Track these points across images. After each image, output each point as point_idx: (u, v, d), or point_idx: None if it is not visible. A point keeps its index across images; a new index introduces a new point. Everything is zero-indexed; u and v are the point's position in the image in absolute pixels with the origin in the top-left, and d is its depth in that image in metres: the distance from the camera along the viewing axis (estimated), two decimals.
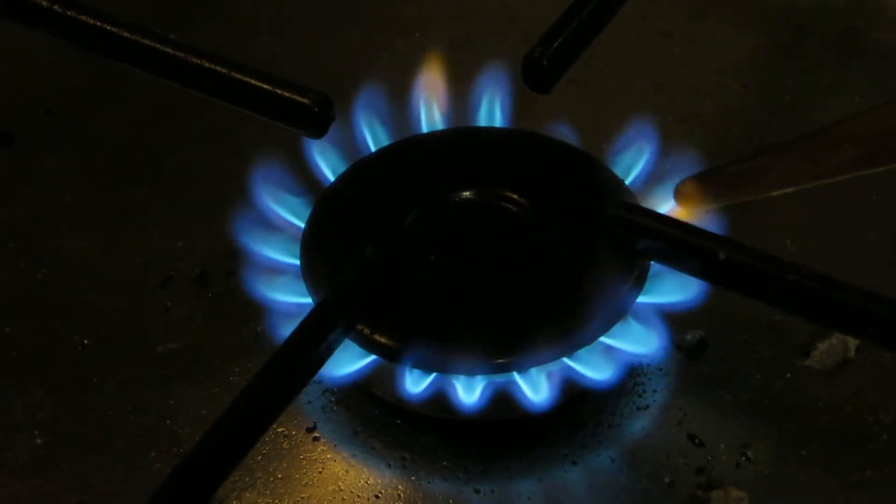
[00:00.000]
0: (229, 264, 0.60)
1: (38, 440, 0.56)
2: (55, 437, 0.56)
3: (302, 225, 0.58)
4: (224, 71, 0.53)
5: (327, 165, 0.61)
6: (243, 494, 0.53)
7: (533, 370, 0.53)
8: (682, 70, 0.74)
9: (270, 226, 0.59)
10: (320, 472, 0.54)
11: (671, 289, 0.56)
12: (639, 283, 0.55)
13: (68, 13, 0.56)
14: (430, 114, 0.63)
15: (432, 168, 0.60)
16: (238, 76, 0.53)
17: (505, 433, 0.55)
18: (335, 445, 0.55)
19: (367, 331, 0.52)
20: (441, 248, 0.56)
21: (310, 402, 0.56)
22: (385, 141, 0.62)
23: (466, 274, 0.55)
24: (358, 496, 0.53)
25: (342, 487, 0.54)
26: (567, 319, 0.53)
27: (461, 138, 0.62)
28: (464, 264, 0.56)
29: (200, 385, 0.57)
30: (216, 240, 0.61)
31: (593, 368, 0.54)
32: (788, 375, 0.57)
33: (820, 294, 0.50)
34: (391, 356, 0.52)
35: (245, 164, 0.60)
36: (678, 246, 0.53)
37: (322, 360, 0.51)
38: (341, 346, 0.52)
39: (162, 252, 0.64)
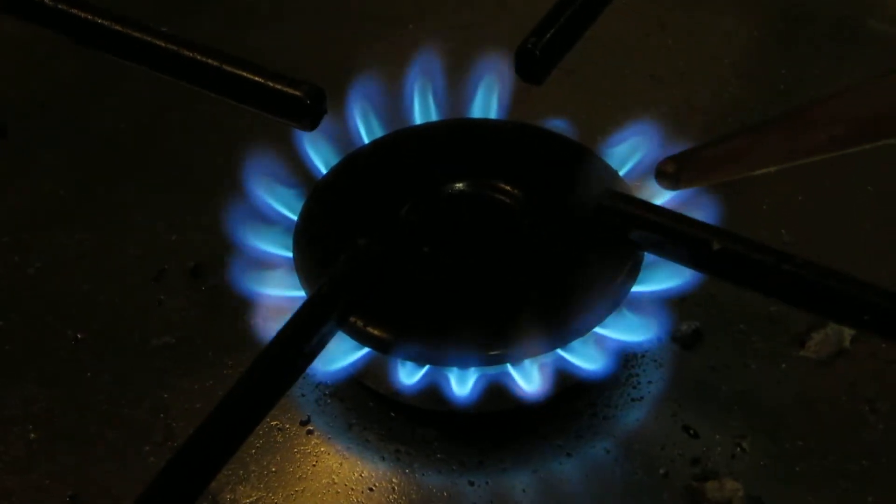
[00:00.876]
0: (223, 257, 0.60)
1: (32, 434, 0.56)
2: (49, 430, 0.56)
3: (295, 217, 0.58)
4: (216, 64, 0.53)
5: (320, 157, 0.61)
6: (237, 488, 0.53)
7: (527, 362, 0.53)
8: (676, 60, 0.74)
9: (264, 218, 0.59)
10: (314, 466, 0.54)
11: (665, 278, 0.56)
12: (633, 274, 0.55)
13: (61, 7, 0.55)
14: (424, 105, 0.63)
15: (426, 160, 0.60)
16: (230, 69, 0.53)
17: (500, 425, 0.55)
18: (329, 438, 0.55)
19: (360, 323, 0.52)
20: (435, 240, 0.56)
21: (303, 396, 0.56)
22: (379, 132, 0.62)
23: (460, 266, 0.55)
24: (352, 489, 0.53)
25: (336, 480, 0.54)
26: (561, 311, 0.53)
27: (455, 130, 0.62)
28: (457, 256, 0.55)
29: (194, 378, 0.57)
30: (210, 233, 0.61)
31: (587, 359, 0.53)
32: (784, 366, 0.57)
33: (815, 284, 0.50)
34: (384, 348, 0.52)
35: (238, 157, 0.60)
36: (672, 236, 0.53)
37: (315, 353, 0.51)
38: (335, 339, 0.52)
39: (156, 245, 0.64)
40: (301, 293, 0.55)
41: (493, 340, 0.52)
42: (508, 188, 0.58)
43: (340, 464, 0.54)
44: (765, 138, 0.54)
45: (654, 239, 0.54)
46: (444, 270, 0.55)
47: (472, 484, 0.53)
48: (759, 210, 0.64)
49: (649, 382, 0.57)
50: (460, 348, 0.52)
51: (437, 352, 0.52)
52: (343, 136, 0.61)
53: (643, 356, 0.57)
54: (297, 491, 0.53)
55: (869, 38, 0.75)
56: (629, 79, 0.73)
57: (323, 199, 0.58)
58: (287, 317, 0.51)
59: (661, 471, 0.53)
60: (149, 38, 0.54)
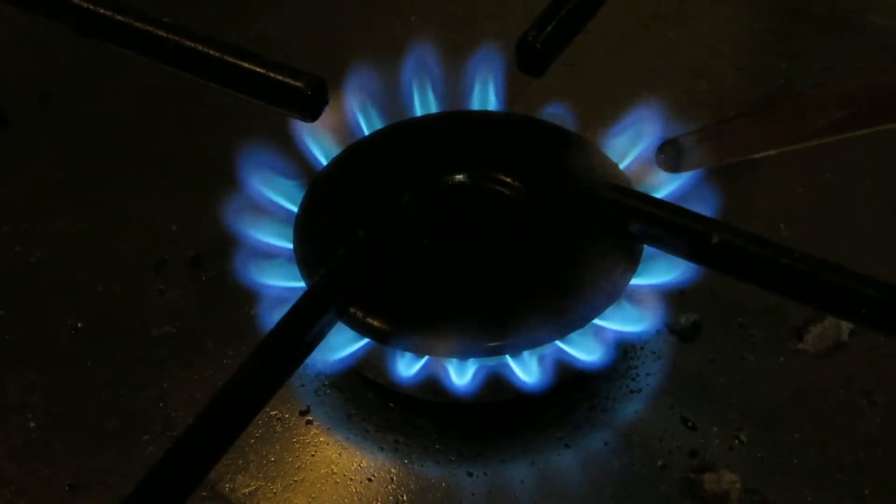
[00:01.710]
0: (223, 248, 0.60)
1: (32, 423, 0.56)
2: (49, 419, 0.56)
3: (295, 209, 0.58)
4: (218, 54, 0.53)
5: (320, 149, 0.61)
6: (236, 477, 0.53)
7: (526, 353, 0.53)
8: (676, 52, 0.74)
9: (264, 209, 0.59)
10: (313, 456, 0.54)
11: (664, 270, 0.56)
12: (632, 266, 0.55)
13: None
14: (424, 97, 0.63)
15: (426, 152, 0.60)
16: (231, 59, 0.53)
17: (498, 416, 0.55)
18: (328, 429, 0.55)
19: (359, 314, 0.52)
20: (434, 232, 0.56)
21: (303, 386, 0.57)
22: (378, 124, 0.62)
23: (459, 257, 0.55)
24: (351, 479, 0.53)
25: (335, 470, 0.54)
26: (560, 302, 0.53)
27: (455, 122, 0.62)
28: (457, 248, 0.55)
29: (194, 368, 0.57)
30: (210, 223, 0.60)
31: (586, 351, 0.54)
32: (782, 359, 0.57)
33: (813, 277, 0.50)
34: (384, 339, 0.52)
35: (239, 148, 0.60)
36: (671, 229, 0.53)
37: (314, 343, 0.51)
38: (334, 330, 0.52)
39: (156, 235, 0.64)
40: (301, 284, 0.55)
41: (492, 332, 0.52)
42: (508, 180, 0.58)
43: (339, 454, 0.54)
44: (765, 122, 0.54)
45: (653, 231, 0.54)
46: (444, 262, 0.55)
47: (470, 475, 0.53)
48: (758, 204, 0.64)
49: (648, 374, 0.57)
50: (459, 339, 0.52)
51: (435, 343, 0.52)
52: (343, 127, 0.61)
53: (642, 348, 0.58)
54: (295, 481, 0.53)
55: (868, 30, 0.75)
56: (629, 71, 0.73)
57: (323, 190, 0.59)
58: (287, 307, 0.51)
59: (659, 463, 0.53)
60: (150, 29, 0.54)
